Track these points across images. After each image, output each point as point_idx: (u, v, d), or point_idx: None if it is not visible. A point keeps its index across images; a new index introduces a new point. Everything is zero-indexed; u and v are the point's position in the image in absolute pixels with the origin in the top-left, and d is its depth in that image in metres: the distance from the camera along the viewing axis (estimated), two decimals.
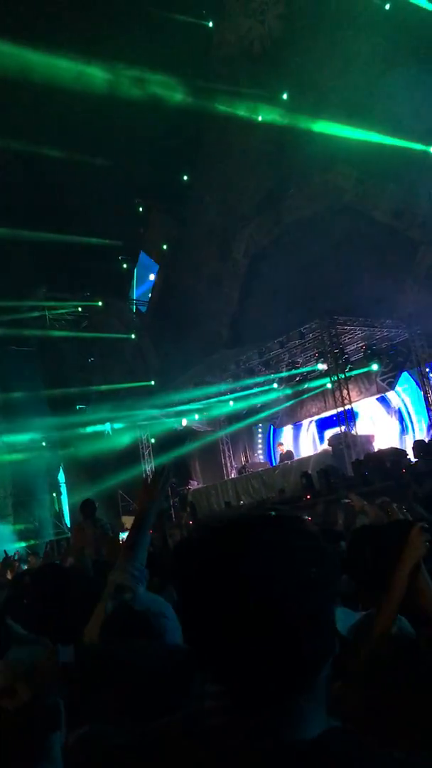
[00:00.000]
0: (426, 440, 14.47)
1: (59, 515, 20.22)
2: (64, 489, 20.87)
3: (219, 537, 1.01)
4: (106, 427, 19.85)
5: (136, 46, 16.71)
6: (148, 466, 19.73)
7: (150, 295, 24.02)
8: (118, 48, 16.33)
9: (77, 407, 20.79)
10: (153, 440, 20.30)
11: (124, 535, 6.95)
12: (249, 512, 1.12)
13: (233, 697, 0.96)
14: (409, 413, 17.25)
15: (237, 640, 0.95)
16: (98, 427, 19.88)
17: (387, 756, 0.96)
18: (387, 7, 15.42)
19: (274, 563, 0.97)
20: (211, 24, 18.31)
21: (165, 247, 22.88)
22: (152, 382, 20.88)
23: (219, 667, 0.98)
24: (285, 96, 17.73)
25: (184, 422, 19.61)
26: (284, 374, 17.28)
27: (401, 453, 13.75)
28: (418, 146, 15.37)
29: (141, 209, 22.79)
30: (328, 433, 16.87)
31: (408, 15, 14.73)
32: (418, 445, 13.74)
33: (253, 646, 0.94)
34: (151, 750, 0.99)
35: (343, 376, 15.82)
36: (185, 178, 21.40)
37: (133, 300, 24.72)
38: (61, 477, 21.06)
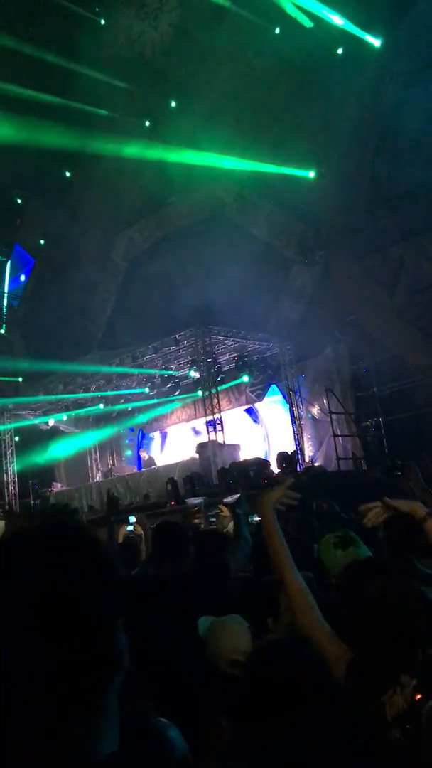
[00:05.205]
0: (288, 452, 14.98)
1: None
2: None
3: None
4: None
5: (22, 26, 16.23)
6: (10, 465, 19.09)
7: (23, 289, 23.26)
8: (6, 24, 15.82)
9: None
10: (17, 438, 19.68)
11: None
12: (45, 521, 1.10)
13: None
14: (274, 425, 17.82)
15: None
16: None
17: None
18: (277, 30, 15.87)
19: (51, 572, 0.96)
20: (103, 21, 18.01)
21: (42, 242, 22.24)
22: (20, 379, 20.21)
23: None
24: (173, 104, 17.83)
25: (51, 422, 19.17)
26: (155, 371, 17.20)
27: (265, 463, 14.14)
28: (299, 171, 15.90)
29: (19, 200, 22.03)
30: (196, 441, 17.06)
31: (296, 39, 15.19)
32: (281, 457, 14.20)
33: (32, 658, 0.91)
34: None
35: (215, 391, 16.03)
36: (68, 174, 20.92)
37: (5, 293, 23.82)
38: None
